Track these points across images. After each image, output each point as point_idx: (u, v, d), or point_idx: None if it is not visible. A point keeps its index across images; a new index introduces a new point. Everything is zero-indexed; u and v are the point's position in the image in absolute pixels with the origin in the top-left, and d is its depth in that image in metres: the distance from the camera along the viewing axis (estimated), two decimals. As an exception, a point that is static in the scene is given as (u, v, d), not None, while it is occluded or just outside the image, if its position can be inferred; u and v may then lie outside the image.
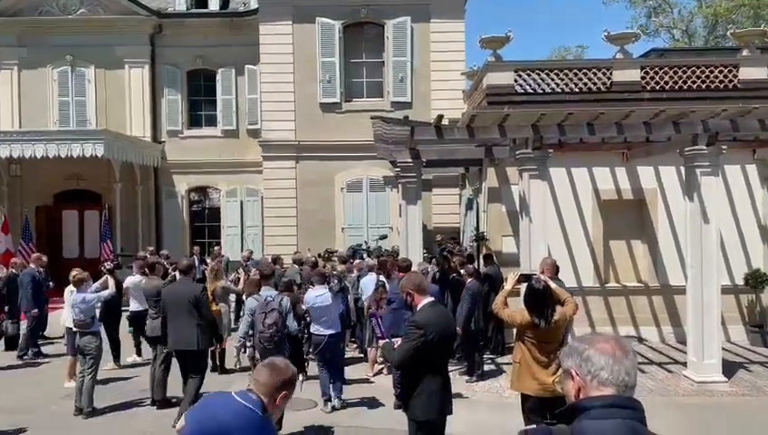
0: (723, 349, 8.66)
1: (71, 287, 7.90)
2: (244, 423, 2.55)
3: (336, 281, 8.11)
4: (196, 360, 6.77)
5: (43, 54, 18.09)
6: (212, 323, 6.99)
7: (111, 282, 8.06)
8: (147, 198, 18.11)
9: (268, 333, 6.18)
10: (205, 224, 18.78)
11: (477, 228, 12.40)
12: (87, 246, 17.81)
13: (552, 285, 5.36)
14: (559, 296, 5.25)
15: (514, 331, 5.61)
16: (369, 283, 9.25)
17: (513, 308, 5.41)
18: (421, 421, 4.28)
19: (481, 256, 11.03)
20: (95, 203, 17.64)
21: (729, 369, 8.48)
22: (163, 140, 18.45)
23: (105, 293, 7.73)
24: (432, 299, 4.47)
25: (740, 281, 10.60)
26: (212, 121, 18.61)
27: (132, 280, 9.31)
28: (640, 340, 10.66)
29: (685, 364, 8.66)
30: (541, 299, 5.04)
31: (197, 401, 3.04)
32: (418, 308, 4.33)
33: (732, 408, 7.40)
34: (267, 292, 6.52)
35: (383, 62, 16.76)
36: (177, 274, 7.63)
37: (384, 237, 14.38)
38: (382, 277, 9.03)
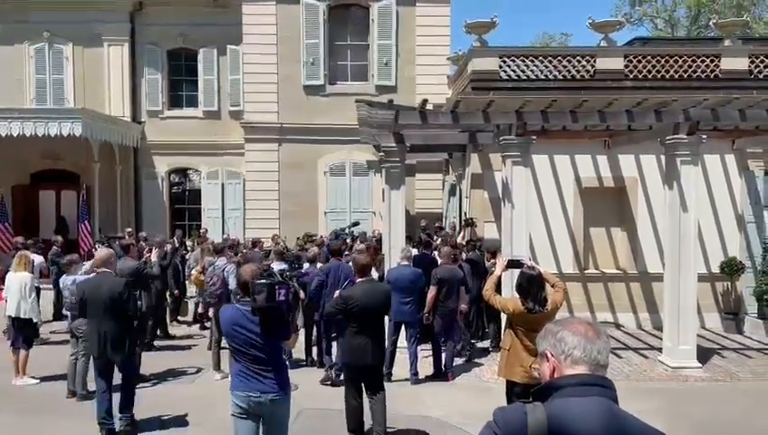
0: (698, 335, 8.83)
1: (12, 273, 7.73)
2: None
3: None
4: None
5: (19, 31, 17.65)
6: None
7: None
8: (126, 178, 17.85)
9: (209, 291, 8.31)
10: (185, 206, 18.59)
11: (460, 214, 12.43)
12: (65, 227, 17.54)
13: (542, 269, 5.39)
14: (548, 280, 5.29)
15: (503, 317, 5.65)
16: None
17: (504, 296, 5.45)
18: (343, 363, 5.85)
19: (463, 239, 11.05)
20: (73, 183, 17.37)
21: (704, 355, 8.65)
22: (143, 120, 18.15)
23: None
24: (367, 278, 5.87)
25: (716, 269, 10.78)
26: (193, 102, 18.34)
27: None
28: (617, 325, 10.82)
29: (660, 350, 8.81)
30: (535, 283, 5.07)
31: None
32: (356, 283, 5.83)
33: (705, 393, 7.55)
34: (218, 262, 8.50)
35: (368, 45, 16.62)
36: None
37: (357, 224, 14.31)
38: None
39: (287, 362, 4.37)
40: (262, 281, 3.97)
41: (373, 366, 5.76)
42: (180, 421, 6.47)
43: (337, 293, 6.15)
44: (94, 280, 6.19)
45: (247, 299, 4.09)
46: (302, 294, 8.04)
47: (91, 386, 7.18)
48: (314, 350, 8.70)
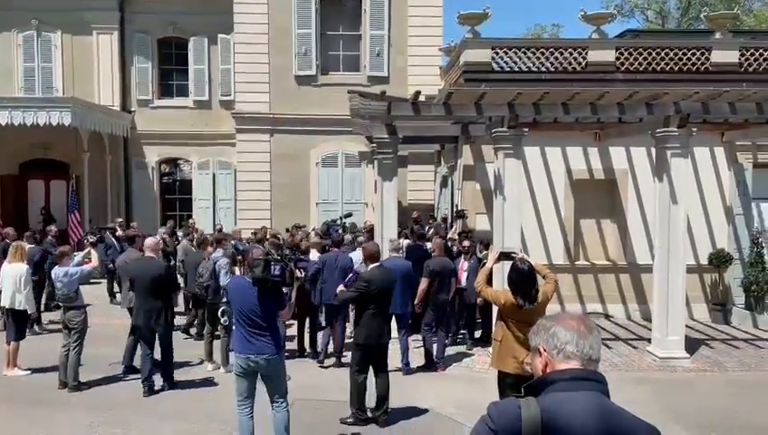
0: (686, 326, 8.92)
1: (7, 264, 7.70)
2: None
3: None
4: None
5: (7, 18, 17.45)
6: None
7: (95, 255, 7.90)
8: (116, 168, 17.75)
9: (197, 282, 8.26)
10: (176, 196, 18.52)
11: (453, 205, 12.46)
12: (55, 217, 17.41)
13: (533, 261, 5.40)
14: (540, 272, 5.30)
15: (494, 309, 5.67)
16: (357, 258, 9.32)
17: (496, 288, 5.46)
18: (361, 344, 6.09)
19: (455, 234, 11.09)
20: (62, 173, 17.23)
21: (691, 345, 8.76)
22: (133, 109, 18.03)
23: (88, 267, 7.50)
24: (379, 264, 6.35)
25: (704, 260, 10.89)
26: (184, 91, 18.23)
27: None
28: (607, 316, 10.92)
29: (649, 340, 8.91)
30: (526, 280, 5.04)
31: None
32: (368, 268, 6.26)
33: (693, 383, 7.66)
34: (215, 254, 8.29)
35: (360, 35, 16.55)
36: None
37: (349, 215, 14.31)
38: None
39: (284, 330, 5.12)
40: (260, 257, 4.85)
41: (387, 344, 6.31)
42: (175, 411, 6.49)
43: (340, 287, 6.30)
44: (141, 263, 7.27)
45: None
46: (298, 274, 8.55)
47: (83, 378, 7.21)
48: (306, 341, 8.73)
